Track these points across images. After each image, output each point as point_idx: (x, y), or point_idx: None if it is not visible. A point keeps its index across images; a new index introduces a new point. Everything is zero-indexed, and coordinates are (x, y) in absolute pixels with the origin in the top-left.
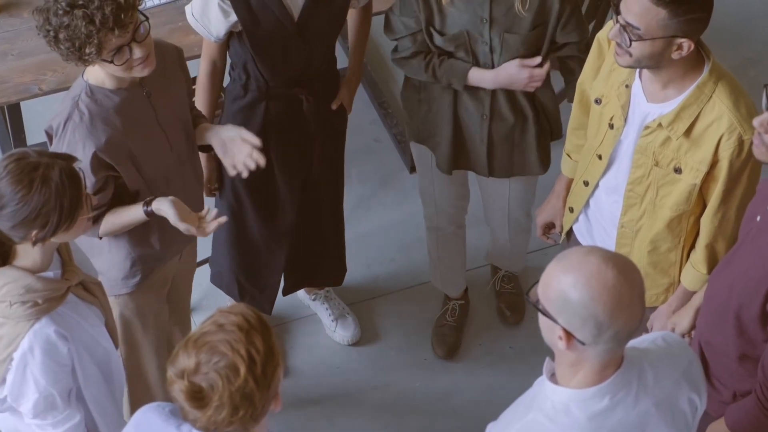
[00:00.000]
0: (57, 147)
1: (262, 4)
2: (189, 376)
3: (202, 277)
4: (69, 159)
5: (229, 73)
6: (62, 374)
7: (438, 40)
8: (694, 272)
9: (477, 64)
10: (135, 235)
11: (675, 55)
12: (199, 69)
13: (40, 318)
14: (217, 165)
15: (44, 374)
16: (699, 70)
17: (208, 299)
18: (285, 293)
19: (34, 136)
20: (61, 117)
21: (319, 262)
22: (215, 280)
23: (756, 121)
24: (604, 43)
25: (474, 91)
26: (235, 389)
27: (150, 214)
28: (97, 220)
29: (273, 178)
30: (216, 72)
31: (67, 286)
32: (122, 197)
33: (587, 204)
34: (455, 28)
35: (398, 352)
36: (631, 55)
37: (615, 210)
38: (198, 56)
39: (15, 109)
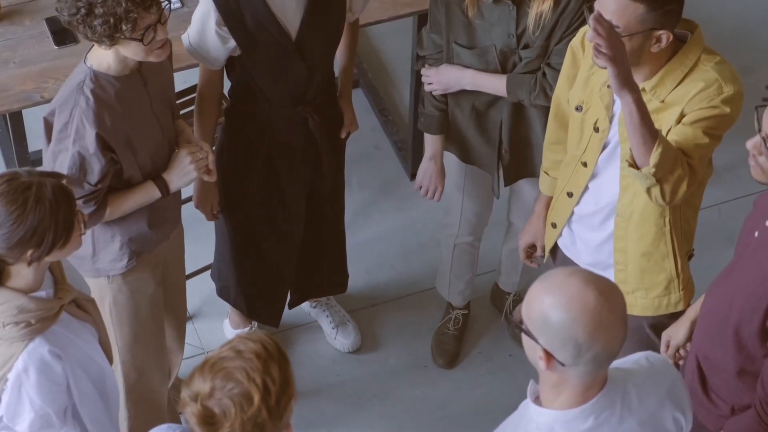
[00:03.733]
0: (64, 137)
1: (259, 26)
2: (202, 400)
3: (201, 284)
4: (58, 176)
5: (229, 96)
6: (57, 393)
7: (465, 55)
8: None
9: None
10: (122, 218)
11: (654, 48)
12: (197, 90)
13: (33, 338)
14: (219, 187)
15: (39, 394)
16: (670, 52)
17: (208, 306)
18: (291, 306)
19: (36, 143)
20: (68, 105)
21: (323, 272)
22: (222, 294)
23: (749, 144)
24: (578, 51)
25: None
26: (248, 418)
27: (166, 192)
28: (99, 207)
29: (281, 193)
30: (215, 96)
31: (60, 305)
32: (115, 184)
33: (571, 214)
34: (484, 41)
35: (398, 360)
36: None
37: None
38: (194, 66)
39: (17, 117)
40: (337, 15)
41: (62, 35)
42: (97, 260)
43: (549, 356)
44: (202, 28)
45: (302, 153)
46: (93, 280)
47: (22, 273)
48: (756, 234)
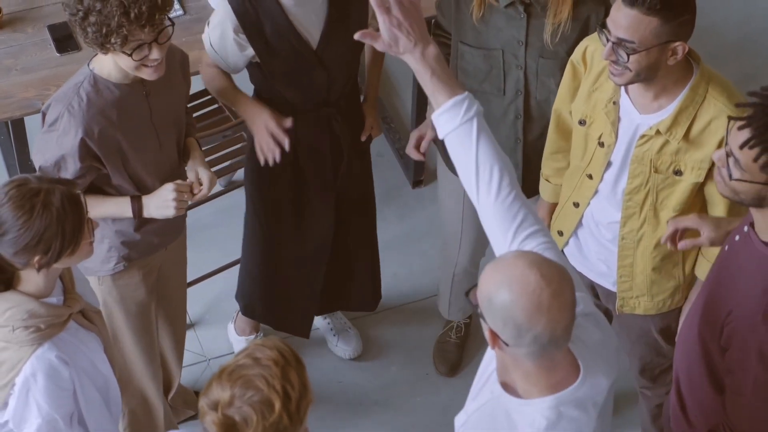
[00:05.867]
0: (51, 131)
1: (279, 35)
2: (222, 409)
3: (203, 291)
4: (69, 184)
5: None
6: (64, 399)
7: (470, 55)
8: (708, 264)
9: (504, 90)
10: (110, 222)
11: (671, 61)
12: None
13: (42, 343)
14: (249, 192)
15: (47, 399)
16: (688, 75)
17: (210, 314)
18: (317, 314)
19: None
20: (61, 103)
21: (355, 287)
22: (247, 312)
23: (715, 156)
24: (578, 65)
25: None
26: (269, 425)
27: (138, 214)
28: None
29: (309, 199)
30: (226, 82)
31: (68, 313)
32: (105, 190)
33: (579, 224)
34: (492, 44)
35: (400, 367)
36: (630, 70)
37: (613, 226)
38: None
39: (19, 124)
40: (358, 23)
41: (64, 43)
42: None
43: (494, 335)
44: (221, 33)
45: (328, 156)
46: (90, 278)
47: (32, 278)
48: (729, 244)
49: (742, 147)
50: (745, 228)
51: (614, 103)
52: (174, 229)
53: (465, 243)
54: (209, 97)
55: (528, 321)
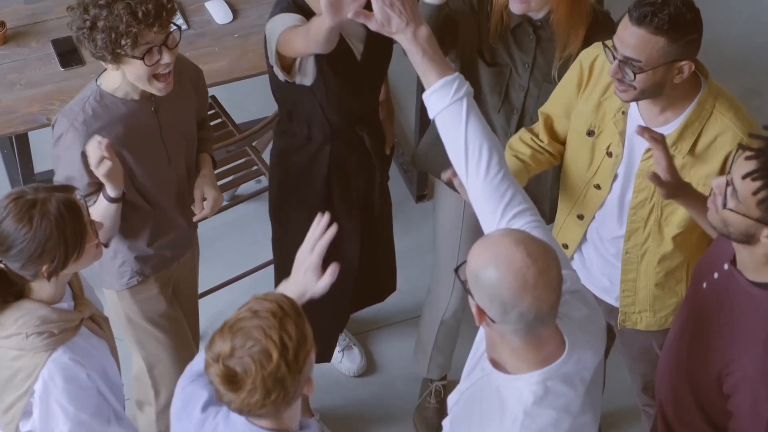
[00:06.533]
0: (57, 145)
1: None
2: (224, 360)
3: (209, 306)
4: (66, 189)
5: (284, 129)
6: (88, 398)
7: (483, 70)
8: None
9: (500, 107)
10: (122, 237)
11: (677, 79)
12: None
13: (56, 348)
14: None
15: (70, 400)
16: (695, 90)
17: (215, 329)
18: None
19: (42, 164)
20: (67, 118)
21: (376, 283)
22: None
23: (714, 183)
24: (585, 70)
25: (500, 102)
26: (268, 374)
27: (110, 199)
28: None
29: (337, 219)
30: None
31: (80, 318)
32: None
33: (584, 239)
34: (502, 60)
35: (404, 383)
36: (635, 88)
37: (617, 241)
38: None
39: (23, 139)
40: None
41: (68, 57)
42: (102, 272)
43: (481, 312)
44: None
45: (358, 174)
46: (106, 293)
47: (43, 286)
48: (704, 285)
49: (744, 177)
50: (725, 266)
51: (623, 112)
52: (185, 242)
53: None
54: (213, 111)
55: (514, 298)
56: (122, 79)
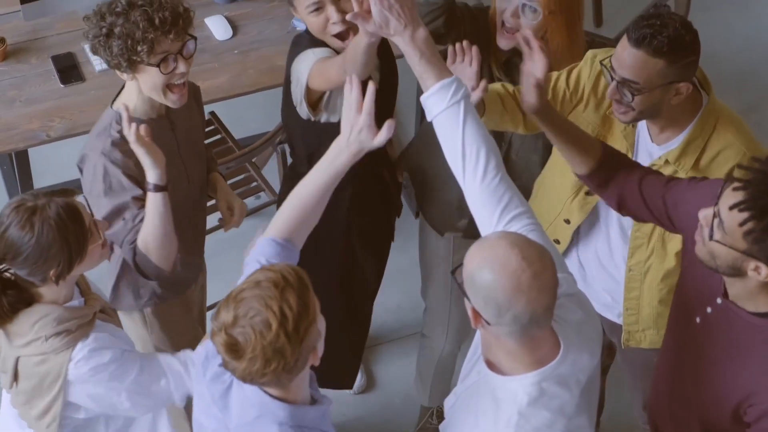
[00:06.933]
0: (93, 179)
1: None
2: (227, 329)
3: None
4: (66, 193)
5: (300, 173)
6: (124, 366)
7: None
8: None
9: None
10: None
11: (674, 101)
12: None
13: (76, 344)
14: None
15: (111, 379)
16: (696, 106)
17: None
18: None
19: (42, 181)
20: (95, 150)
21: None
22: None
23: (701, 214)
24: (563, 92)
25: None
26: (267, 343)
27: (155, 187)
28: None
29: (356, 262)
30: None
31: (93, 312)
32: None
33: (578, 249)
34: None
35: (404, 400)
36: (634, 109)
37: (620, 257)
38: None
39: (22, 156)
40: (393, 59)
41: (68, 73)
42: (120, 295)
43: (476, 314)
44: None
45: (380, 210)
46: (127, 321)
47: (52, 289)
48: (698, 320)
49: (732, 208)
50: (718, 300)
51: (633, 125)
52: (198, 262)
53: (454, 323)
54: (212, 127)
55: (508, 301)
56: (138, 96)
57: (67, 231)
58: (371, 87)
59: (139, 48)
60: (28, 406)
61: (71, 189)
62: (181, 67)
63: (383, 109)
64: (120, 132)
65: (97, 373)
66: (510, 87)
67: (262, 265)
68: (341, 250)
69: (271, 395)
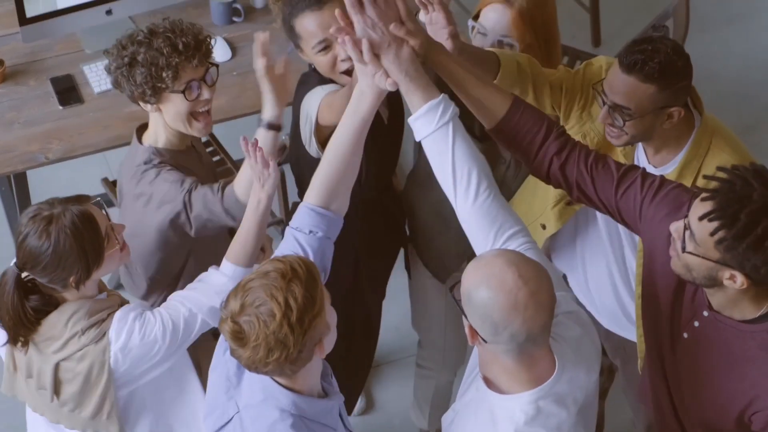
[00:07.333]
0: (151, 204)
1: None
2: (233, 317)
3: None
4: (81, 200)
5: None
6: (146, 316)
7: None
8: None
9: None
10: (153, 288)
11: (667, 125)
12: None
13: (109, 329)
14: None
15: (142, 326)
16: (689, 127)
17: None
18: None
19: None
20: (143, 183)
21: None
22: None
23: (672, 227)
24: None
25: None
26: (270, 332)
27: (268, 125)
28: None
29: (362, 298)
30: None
31: (117, 303)
32: (172, 260)
33: (584, 263)
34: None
35: (402, 422)
36: (626, 133)
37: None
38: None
39: (21, 178)
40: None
41: (67, 95)
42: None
43: (473, 331)
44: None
45: (383, 244)
46: None
47: (74, 293)
48: (687, 331)
49: (701, 218)
50: (705, 313)
51: (632, 144)
52: None
53: (450, 347)
54: (211, 148)
55: (505, 319)
56: (164, 129)
57: (83, 239)
58: (357, 18)
59: (164, 74)
60: (79, 410)
61: (86, 196)
62: (206, 94)
63: (391, 144)
64: (157, 165)
65: (131, 334)
66: (525, 57)
67: (297, 239)
68: (347, 287)
69: (277, 382)
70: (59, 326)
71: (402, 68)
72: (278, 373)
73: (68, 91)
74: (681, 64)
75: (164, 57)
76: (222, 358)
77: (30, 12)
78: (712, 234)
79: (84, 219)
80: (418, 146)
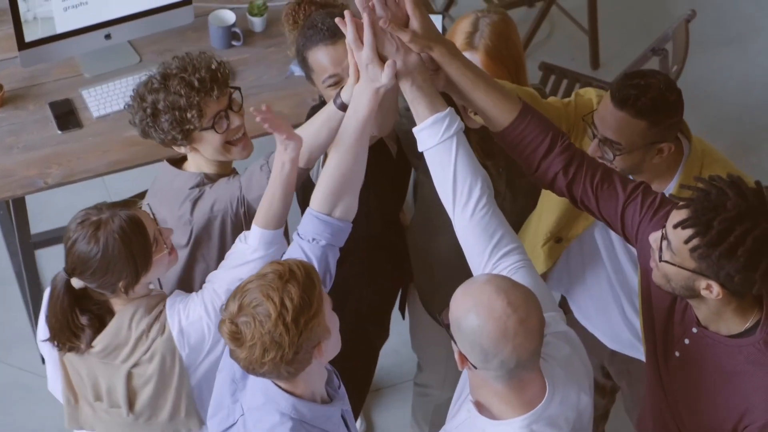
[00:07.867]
0: (211, 215)
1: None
2: (232, 318)
3: None
4: (129, 205)
5: None
6: (205, 292)
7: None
8: None
9: None
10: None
11: (656, 160)
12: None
13: (163, 315)
14: None
15: (201, 299)
16: (679, 155)
17: None
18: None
19: (38, 227)
20: (192, 197)
21: None
22: None
23: (652, 237)
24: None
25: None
26: (265, 332)
27: (342, 105)
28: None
29: (366, 334)
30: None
31: (166, 296)
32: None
33: (584, 285)
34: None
35: None
36: (616, 167)
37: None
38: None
39: (20, 203)
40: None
41: (66, 120)
42: None
43: (463, 357)
44: None
45: (388, 280)
46: None
47: (123, 297)
48: (678, 349)
49: (676, 227)
50: (694, 329)
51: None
52: None
53: (450, 375)
54: None
55: (494, 347)
56: (205, 162)
57: (132, 243)
58: (366, 19)
59: (188, 115)
60: (155, 417)
61: (134, 200)
62: (235, 121)
63: (399, 178)
64: (200, 188)
65: (179, 315)
66: (528, 92)
67: (301, 247)
68: (348, 320)
69: (278, 386)
70: (123, 331)
71: (408, 76)
72: (276, 374)
73: (67, 115)
74: (673, 99)
75: (184, 98)
76: (228, 359)
77: (29, 36)
78: (687, 242)
79: (132, 223)
80: (414, 190)
